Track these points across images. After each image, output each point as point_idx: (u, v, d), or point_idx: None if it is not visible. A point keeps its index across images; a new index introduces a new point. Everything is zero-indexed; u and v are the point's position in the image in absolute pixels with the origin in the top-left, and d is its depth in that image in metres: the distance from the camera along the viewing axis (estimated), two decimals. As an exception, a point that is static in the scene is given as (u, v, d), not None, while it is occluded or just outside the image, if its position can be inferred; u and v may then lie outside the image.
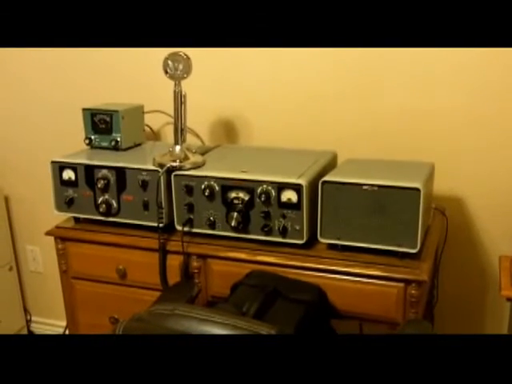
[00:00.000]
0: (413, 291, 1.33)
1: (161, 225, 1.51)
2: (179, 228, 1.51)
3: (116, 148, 1.69)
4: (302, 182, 1.38)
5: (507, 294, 1.48)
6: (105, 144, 1.71)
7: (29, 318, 2.46)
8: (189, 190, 1.48)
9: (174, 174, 1.49)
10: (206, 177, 1.46)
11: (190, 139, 1.87)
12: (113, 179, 1.55)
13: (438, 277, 1.74)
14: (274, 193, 1.41)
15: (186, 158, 1.53)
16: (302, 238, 1.42)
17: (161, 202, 1.51)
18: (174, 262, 1.52)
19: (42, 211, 2.24)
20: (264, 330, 1.00)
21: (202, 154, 1.63)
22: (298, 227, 1.41)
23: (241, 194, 1.44)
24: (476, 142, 1.66)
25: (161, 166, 1.50)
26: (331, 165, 1.59)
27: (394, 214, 1.32)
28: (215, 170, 1.49)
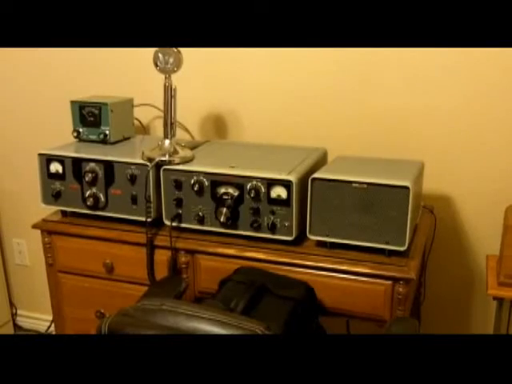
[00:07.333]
0: (400, 289, 1.33)
1: (149, 219, 1.50)
2: (167, 223, 1.50)
3: (104, 141, 1.68)
4: (292, 178, 1.37)
5: (494, 293, 1.49)
6: (93, 137, 1.69)
7: (14, 311, 2.44)
8: (178, 185, 1.47)
9: (163, 168, 1.48)
10: (195, 172, 1.45)
11: (180, 134, 1.86)
12: (101, 173, 1.54)
13: (426, 275, 1.74)
14: (263, 189, 1.40)
15: (176, 152, 1.52)
16: (291, 235, 1.42)
17: (149, 197, 1.50)
18: (162, 257, 1.51)
19: (28, 204, 2.22)
20: (252, 326, 0.99)
21: (192, 148, 1.62)
22: (287, 224, 1.41)
23: (230, 190, 1.43)
24: (465, 141, 1.66)
25: (150, 160, 1.49)
26: (321, 162, 1.59)
27: (382, 211, 1.32)
28: (205, 165, 1.48)
